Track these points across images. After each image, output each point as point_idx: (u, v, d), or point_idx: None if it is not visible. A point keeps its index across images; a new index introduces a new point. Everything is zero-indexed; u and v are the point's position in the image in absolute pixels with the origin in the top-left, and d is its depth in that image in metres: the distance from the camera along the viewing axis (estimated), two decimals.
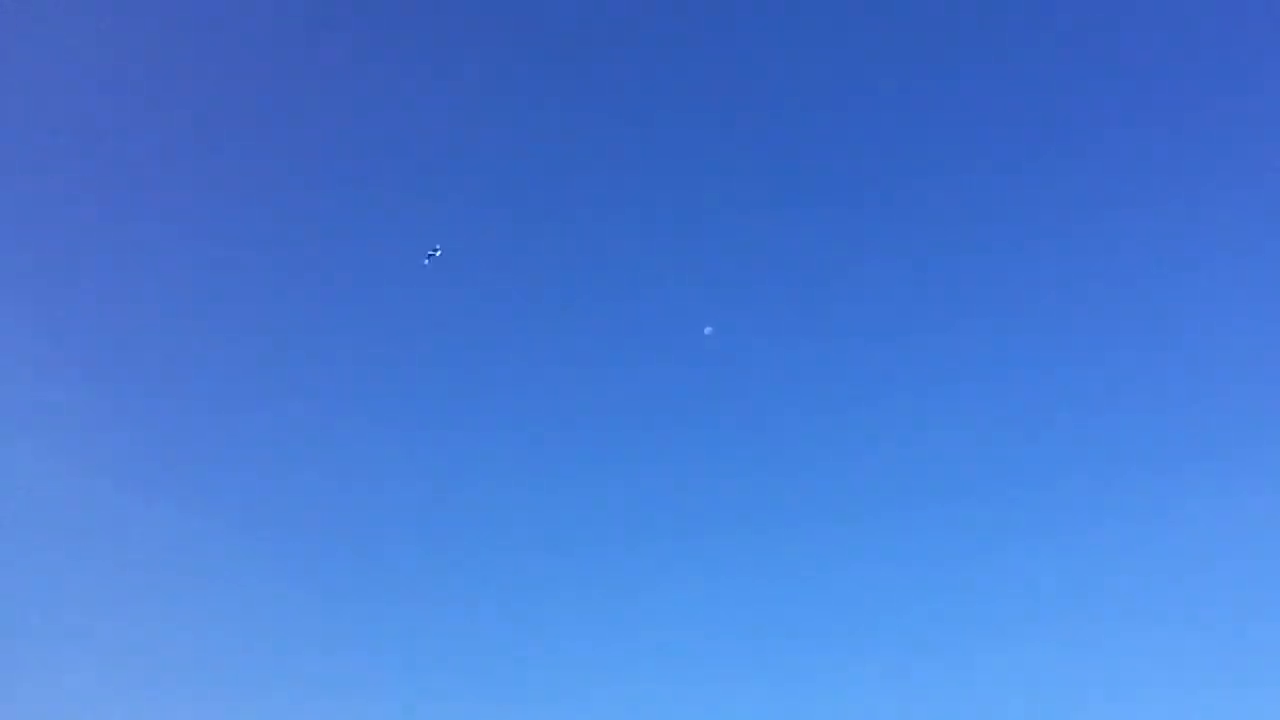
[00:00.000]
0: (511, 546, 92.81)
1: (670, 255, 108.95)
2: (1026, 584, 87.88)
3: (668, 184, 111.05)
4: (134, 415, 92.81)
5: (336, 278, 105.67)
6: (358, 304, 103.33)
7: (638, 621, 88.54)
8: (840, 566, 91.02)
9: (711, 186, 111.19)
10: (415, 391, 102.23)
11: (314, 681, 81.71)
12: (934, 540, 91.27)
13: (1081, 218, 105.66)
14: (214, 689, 78.90)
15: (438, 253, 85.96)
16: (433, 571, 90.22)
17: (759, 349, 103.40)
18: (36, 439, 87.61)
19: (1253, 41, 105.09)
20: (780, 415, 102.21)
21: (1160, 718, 77.43)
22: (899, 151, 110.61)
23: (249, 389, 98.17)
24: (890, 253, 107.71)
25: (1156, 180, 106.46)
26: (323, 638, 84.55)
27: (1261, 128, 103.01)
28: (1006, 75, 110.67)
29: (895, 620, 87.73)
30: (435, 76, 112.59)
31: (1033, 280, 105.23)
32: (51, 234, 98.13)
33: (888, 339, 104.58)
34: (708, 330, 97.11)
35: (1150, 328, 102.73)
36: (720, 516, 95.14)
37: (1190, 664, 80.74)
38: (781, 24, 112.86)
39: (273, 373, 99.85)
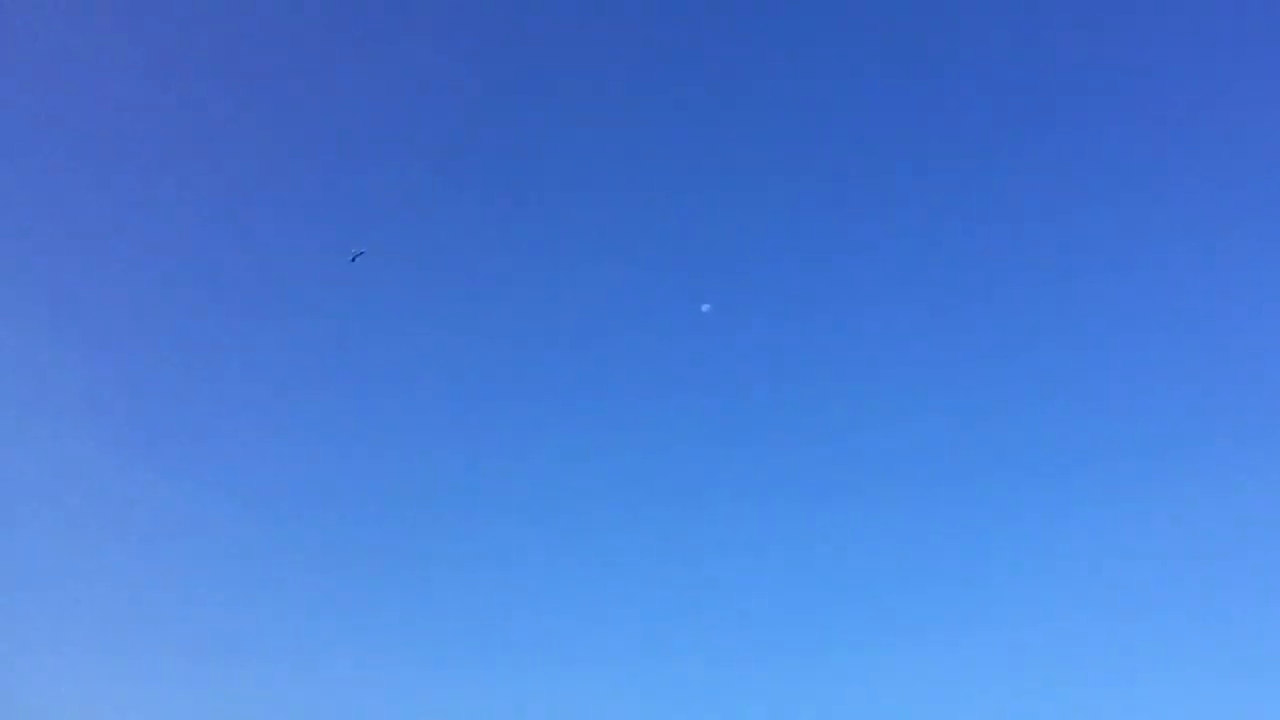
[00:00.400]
0: (506, 521, 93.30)
1: (672, 236, 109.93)
2: (1018, 569, 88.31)
3: (671, 170, 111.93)
4: (139, 389, 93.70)
5: (334, 257, 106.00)
6: (359, 283, 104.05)
7: (629, 600, 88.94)
8: (834, 548, 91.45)
9: (712, 173, 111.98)
10: (419, 369, 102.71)
11: (312, 652, 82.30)
12: (922, 523, 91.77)
13: (1078, 211, 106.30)
14: (215, 658, 79.45)
15: (361, 253, 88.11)
16: (435, 549, 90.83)
17: (755, 328, 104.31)
18: (41, 411, 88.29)
19: (1249, 40, 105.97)
20: (775, 393, 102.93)
21: (1154, 702, 78.18)
22: (898, 143, 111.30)
23: (255, 368, 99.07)
24: (888, 238, 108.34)
25: (1154, 175, 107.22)
26: (321, 609, 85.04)
27: (1261, 125, 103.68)
28: (1000, 70, 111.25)
29: (888, 602, 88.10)
30: (439, 71, 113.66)
31: (1029, 271, 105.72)
32: (61, 217, 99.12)
33: (885, 321, 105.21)
34: (705, 308, 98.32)
35: (1150, 325, 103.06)
36: (717, 496, 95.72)
37: (1187, 653, 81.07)
38: (784, 20, 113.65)
39: (277, 354, 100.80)
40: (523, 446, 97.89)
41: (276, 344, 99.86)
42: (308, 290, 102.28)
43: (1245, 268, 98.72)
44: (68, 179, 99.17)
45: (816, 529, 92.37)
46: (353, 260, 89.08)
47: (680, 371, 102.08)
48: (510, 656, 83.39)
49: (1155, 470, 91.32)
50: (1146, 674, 79.72)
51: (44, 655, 75.37)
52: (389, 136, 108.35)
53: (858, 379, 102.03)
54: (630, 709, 79.19)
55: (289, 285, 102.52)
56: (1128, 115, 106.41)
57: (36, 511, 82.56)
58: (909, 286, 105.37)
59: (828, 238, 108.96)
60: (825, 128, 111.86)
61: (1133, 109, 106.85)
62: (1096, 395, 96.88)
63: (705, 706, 78.97)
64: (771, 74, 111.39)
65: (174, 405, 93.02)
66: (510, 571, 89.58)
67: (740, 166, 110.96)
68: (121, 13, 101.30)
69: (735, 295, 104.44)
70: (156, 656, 78.63)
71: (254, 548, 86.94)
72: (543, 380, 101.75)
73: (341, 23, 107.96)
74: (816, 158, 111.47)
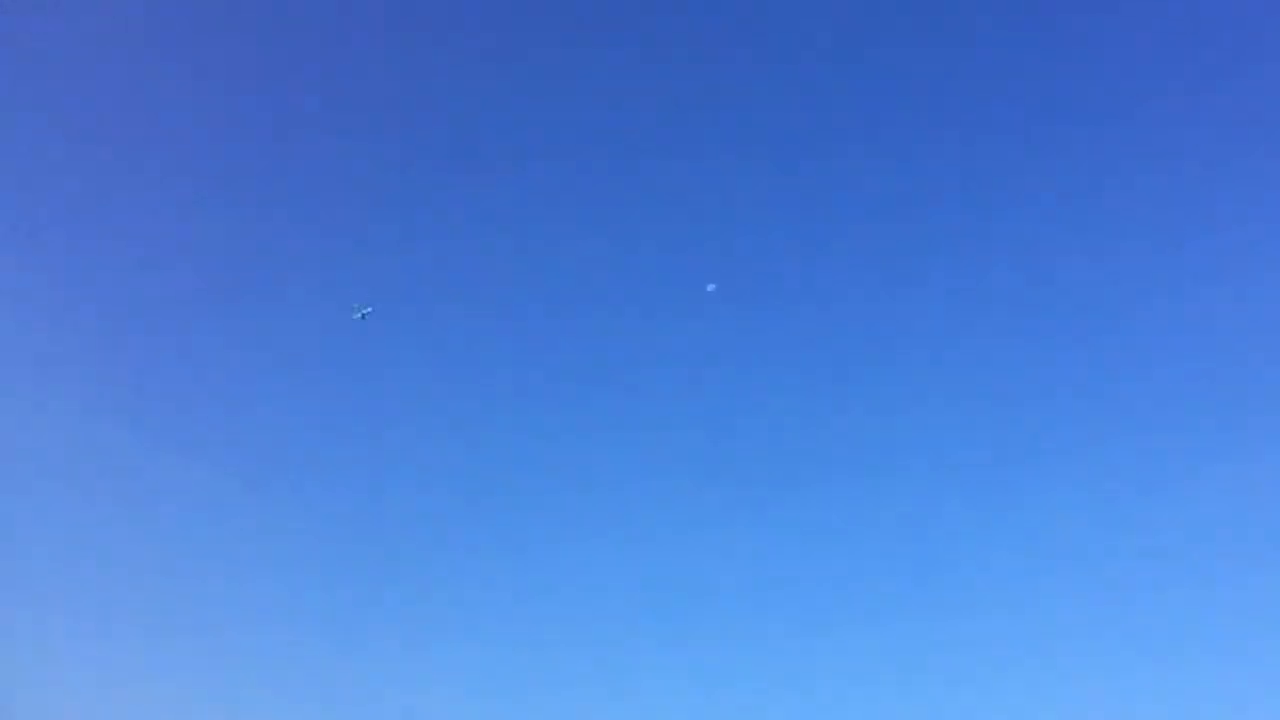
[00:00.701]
0: (509, 502, 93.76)
1: (679, 217, 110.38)
2: (1017, 555, 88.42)
3: (680, 152, 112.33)
4: (154, 375, 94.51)
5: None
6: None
7: (631, 580, 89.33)
8: (829, 529, 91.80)
9: (721, 155, 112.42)
10: (423, 350, 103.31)
11: (316, 628, 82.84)
12: (923, 506, 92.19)
13: (1078, 206, 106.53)
14: (221, 635, 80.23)
15: (367, 312, 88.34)
16: (436, 531, 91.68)
17: (760, 307, 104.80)
18: (42, 384, 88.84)
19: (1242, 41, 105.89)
20: (779, 374, 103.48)
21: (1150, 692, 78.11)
22: (908, 133, 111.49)
23: (261, 355, 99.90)
24: (896, 225, 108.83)
25: (1149, 168, 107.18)
26: (329, 589, 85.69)
27: (1262, 127, 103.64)
28: (1004, 60, 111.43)
29: (888, 582, 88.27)
30: (447, 60, 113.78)
31: (1033, 256, 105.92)
32: (88, 218, 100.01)
33: (890, 307, 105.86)
34: (710, 287, 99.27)
35: (1149, 317, 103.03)
36: (721, 478, 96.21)
37: (1179, 642, 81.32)
38: (793, 7, 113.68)
39: (284, 342, 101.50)
40: (529, 428, 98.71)
41: (283, 332, 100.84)
42: (314, 277, 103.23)
43: (1243, 262, 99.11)
44: (86, 181, 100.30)
45: (816, 511, 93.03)
46: (361, 318, 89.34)
47: (684, 350, 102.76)
48: (513, 639, 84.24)
49: (1149, 460, 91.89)
50: (1143, 664, 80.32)
51: (58, 628, 76.13)
52: (393, 124, 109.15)
53: (863, 362, 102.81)
54: (626, 690, 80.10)
55: (295, 273, 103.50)
56: (1129, 109, 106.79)
57: (54, 491, 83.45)
58: (914, 274, 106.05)
59: (837, 222, 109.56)
60: (835, 118, 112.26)
61: (1133, 104, 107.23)
62: (1094, 387, 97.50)
63: (703, 689, 79.73)
64: (778, 59, 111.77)
65: (187, 390, 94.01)
66: (512, 554, 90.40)
67: (751, 151, 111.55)
68: (129, 14, 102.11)
69: (741, 275, 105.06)
70: (166, 634, 79.45)
71: (263, 528, 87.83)
72: (549, 360, 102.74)
73: (342, 22, 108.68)
74: (827, 144, 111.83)
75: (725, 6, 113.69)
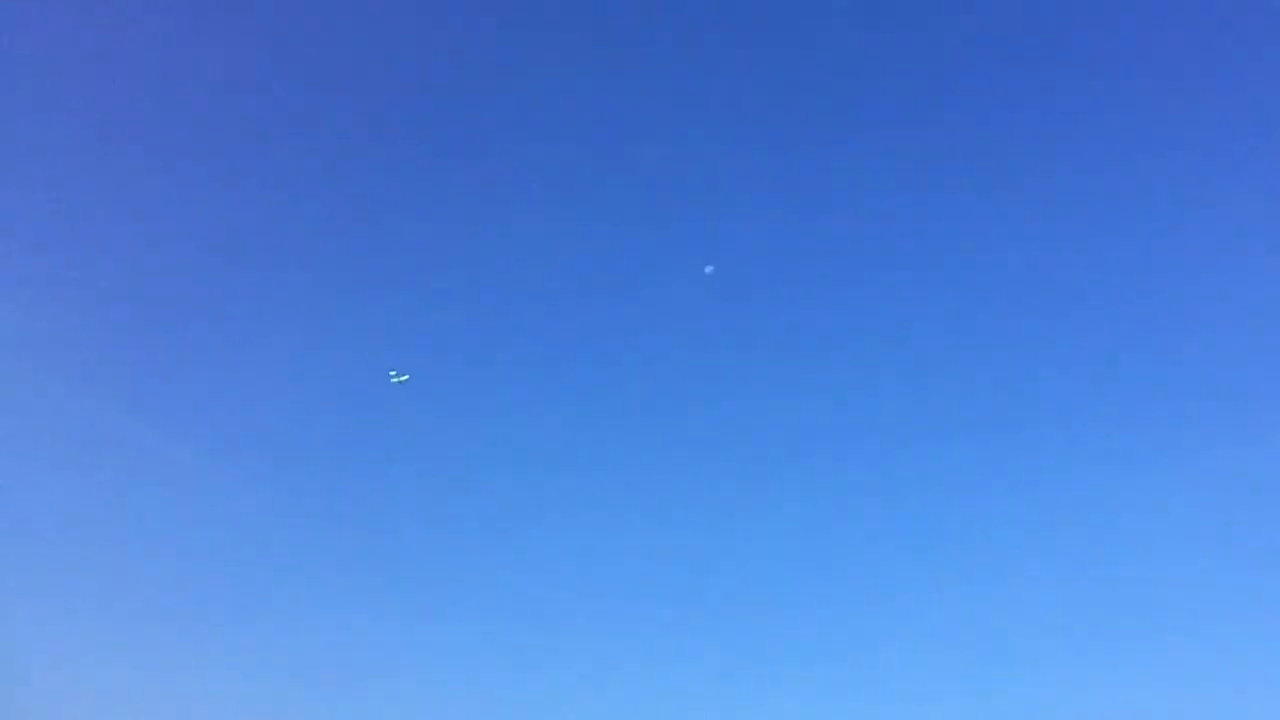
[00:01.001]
0: (507, 480, 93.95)
1: (677, 198, 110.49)
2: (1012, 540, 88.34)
3: (681, 135, 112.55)
4: (139, 346, 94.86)
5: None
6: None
7: (621, 561, 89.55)
8: (817, 512, 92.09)
9: (723, 138, 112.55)
10: (421, 328, 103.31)
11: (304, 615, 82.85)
12: (917, 486, 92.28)
13: (1071, 198, 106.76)
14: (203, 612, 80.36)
15: (404, 378, 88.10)
16: (433, 509, 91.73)
17: (759, 290, 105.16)
18: (37, 366, 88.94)
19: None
20: (776, 358, 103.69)
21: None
22: (906, 120, 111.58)
23: (262, 338, 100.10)
24: (895, 209, 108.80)
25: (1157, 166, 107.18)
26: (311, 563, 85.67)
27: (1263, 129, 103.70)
28: (1002, 45, 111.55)
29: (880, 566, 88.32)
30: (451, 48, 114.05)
31: (1027, 242, 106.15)
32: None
33: (886, 291, 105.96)
34: (709, 269, 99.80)
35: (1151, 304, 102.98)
36: (721, 459, 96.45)
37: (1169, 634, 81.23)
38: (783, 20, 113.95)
39: (284, 323, 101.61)
40: (527, 409, 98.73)
41: (284, 325, 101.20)
42: (316, 257, 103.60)
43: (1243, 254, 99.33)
44: (87, 177, 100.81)
45: (815, 497, 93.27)
46: (399, 384, 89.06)
47: (682, 333, 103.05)
48: (514, 633, 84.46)
49: (1148, 451, 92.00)
50: (1142, 657, 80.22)
51: (58, 624, 76.15)
52: (390, 114, 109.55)
53: (857, 347, 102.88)
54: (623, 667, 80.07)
55: (293, 264, 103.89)
56: (1125, 93, 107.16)
57: (55, 483, 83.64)
58: (915, 259, 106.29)
59: (837, 205, 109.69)
60: (835, 101, 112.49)
61: (1133, 97, 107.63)
62: (1095, 382, 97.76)
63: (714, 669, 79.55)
64: (775, 40, 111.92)
65: (193, 383, 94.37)
66: (512, 545, 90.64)
67: (748, 132, 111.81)
68: (129, 14, 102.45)
69: (739, 258, 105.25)
70: (165, 631, 79.49)
71: (263, 521, 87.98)
72: (548, 345, 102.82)
73: (341, 23, 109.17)
74: (827, 127, 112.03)
75: None
